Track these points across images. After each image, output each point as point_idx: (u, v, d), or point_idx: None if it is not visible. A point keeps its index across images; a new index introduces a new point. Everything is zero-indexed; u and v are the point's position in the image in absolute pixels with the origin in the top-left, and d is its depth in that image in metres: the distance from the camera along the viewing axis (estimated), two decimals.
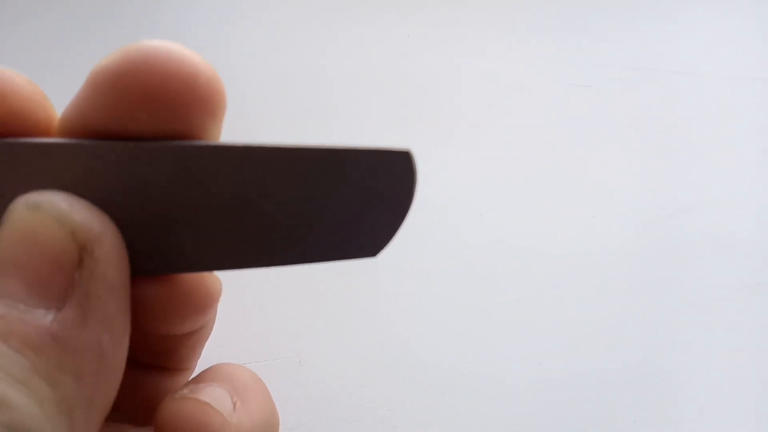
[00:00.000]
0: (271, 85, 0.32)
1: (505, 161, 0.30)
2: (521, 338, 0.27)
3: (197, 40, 0.33)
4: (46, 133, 0.12)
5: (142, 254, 0.12)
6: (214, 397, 0.13)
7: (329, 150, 0.12)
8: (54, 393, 0.10)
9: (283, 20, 0.33)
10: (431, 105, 0.31)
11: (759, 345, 0.27)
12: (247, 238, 0.12)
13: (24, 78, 0.12)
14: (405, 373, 0.26)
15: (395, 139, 0.30)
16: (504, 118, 0.31)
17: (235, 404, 0.13)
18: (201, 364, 0.17)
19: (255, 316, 0.26)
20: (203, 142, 0.12)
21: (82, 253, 0.11)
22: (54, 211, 0.11)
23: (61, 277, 0.10)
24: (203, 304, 0.14)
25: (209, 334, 0.16)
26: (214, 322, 0.16)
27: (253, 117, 0.31)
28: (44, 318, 0.10)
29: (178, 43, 0.11)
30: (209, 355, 0.17)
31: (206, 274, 0.14)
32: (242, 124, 0.29)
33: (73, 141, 0.12)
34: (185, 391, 0.13)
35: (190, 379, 0.14)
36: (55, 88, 0.13)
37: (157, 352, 0.15)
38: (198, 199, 0.12)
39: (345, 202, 0.12)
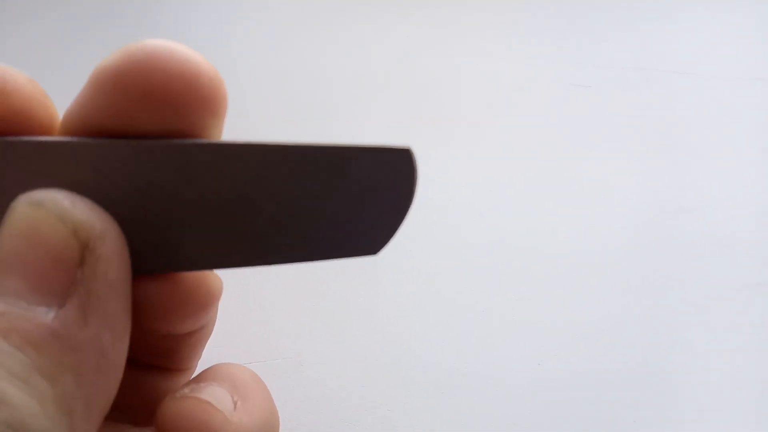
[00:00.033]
0: (271, 85, 0.32)
1: (505, 161, 0.30)
2: (521, 338, 0.27)
3: (197, 40, 0.33)
4: (47, 131, 0.12)
5: (143, 253, 0.12)
6: (215, 396, 0.13)
7: (330, 148, 0.12)
8: (54, 391, 0.10)
9: (283, 20, 0.33)
10: (431, 105, 0.31)
11: (759, 345, 0.27)
12: (248, 236, 0.12)
13: (25, 76, 0.12)
14: (405, 373, 0.26)
15: (395, 139, 0.30)
16: (504, 118, 0.31)
17: (235, 403, 0.13)
18: (201, 364, 0.17)
19: (255, 316, 0.26)
20: (205, 141, 0.12)
21: (84, 251, 0.11)
22: (56, 208, 0.11)
23: (63, 275, 0.10)
24: (204, 303, 0.14)
25: (210, 334, 0.16)
26: (214, 322, 0.16)
27: (253, 117, 0.31)
28: (45, 316, 0.10)
29: (179, 42, 0.11)
30: (209, 354, 0.17)
31: (207, 273, 0.14)
32: (242, 123, 0.29)
33: (75, 139, 0.12)
34: (186, 390, 0.13)
35: (191, 378, 0.14)
36: (55, 88, 0.13)
37: (157, 352, 0.15)
38: (199, 197, 0.12)
39: (346, 199, 0.12)
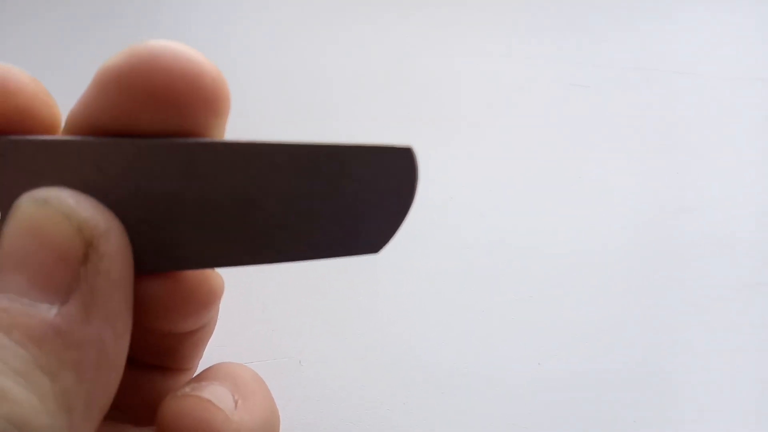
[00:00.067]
0: (271, 85, 0.32)
1: (505, 161, 0.30)
2: (521, 338, 0.27)
3: (197, 40, 0.33)
4: (50, 130, 0.12)
5: (145, 251, 0.12)
6: (216, 395, 0.13)
7: (332, 147, 0.12)
8: (54, 387, 0.10)
9: (283, 20, 0.34)
10: (431, 105, 0.31)
11: (759, 345, 0.27)
12: (251, 235, 0.13)
13: (28, 75, 0.12)
14: (405, 373, 0.26)
15: (395, 138, 0.30)
16: (504, 118, 0.31)
17: (236, 402, 0.13)
18: (202, 364, 0.17)
19: (255, 316, 0.26)
20: (208, 140, 0.12)
21: (87, 248, 0.11)
22: (61, 206, 0.11)
23: (66, 272, 0.10)
24: (206, 301, 0.14)
25: (211, 333, 0.16)
26: (216, 322, 0.16)
27: (253, 117, 0.31)
28: (48, 312, 0.10)
29: (181, 43, 0.12)
30: (210, 354, 0.17)
31: (209, 272, 0.14)
32: (242, 123, 0.29)
33: (79, 138, 0.12)
34: (187, 388, 0.13)
35: (192, 377, 0.14)
36: (55, 88, 0.13)
37: (159, 352, 0.15)
38: (202, 196, 0.12)
39: (348, 198, 0.12)
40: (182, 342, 0.15)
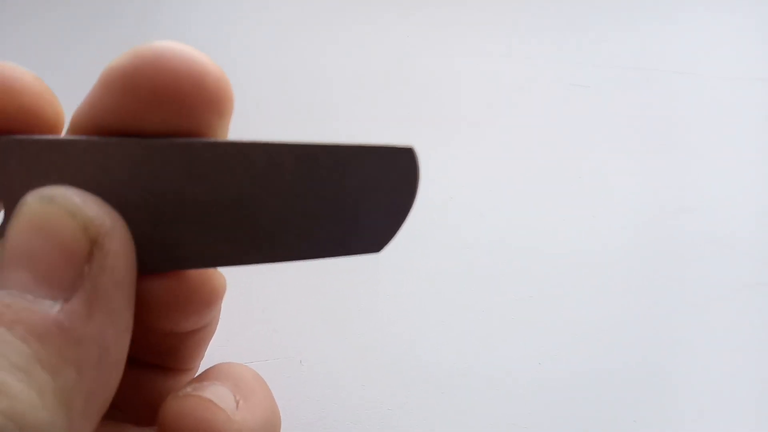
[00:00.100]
0: (271, 85, 0.32)
1: (505, 161, 0.30)
2: (521, 338, 0.27)
3: (197, 40, 0.33)
4: (54, 128, 0.13)
5: (148, 251, 0.12)
6: (218, 395, 0.13)
7: (334, 147, 0.12)
8: (54, 383, 0.10)
9: (283, 20, 0.34)
10: (431, 105, 0.31)
11: (759, 345, 0.27)
12: (253, 234, 0.13)
13: (32, 75, 0.12)
14: (405, 373, 0.26)
15: (395, 138, 0.30)
16: (504, 118, 0.31)
17: (238, 402, 0.13)
18: (203, 363, 0.17)
19: (256, 316, 0.26)
20: (211, 140, 0.12)
21: (92, 246, 0.11)
22: (67, 204, 0.11)
23: (71, 269, 0.11)
24: (208, 300, 0.14)
25: (212, 334, 0.16)
26: (217, 322, 0.16)
27: (253, 117, 0.31)
28: (51, 308, 0.10)
29: (184, 43, 0.12)
30: (211, 354, 0.17)
31: (211, 271, 0.14)
32: (242, 123, 0.29)
33: (84, 138, 0.12)
34: (188, 389, 0.13)
35: (194, 377, 0.14)
36: (55, 88, 0.13)
37: (160, 352, 0.15)
38: (205, 195, 0.12)
39: (349, 198, 0.13)
40: (184, 342, 0.15)
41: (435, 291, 0.27)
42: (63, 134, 0.13)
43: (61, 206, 0.11)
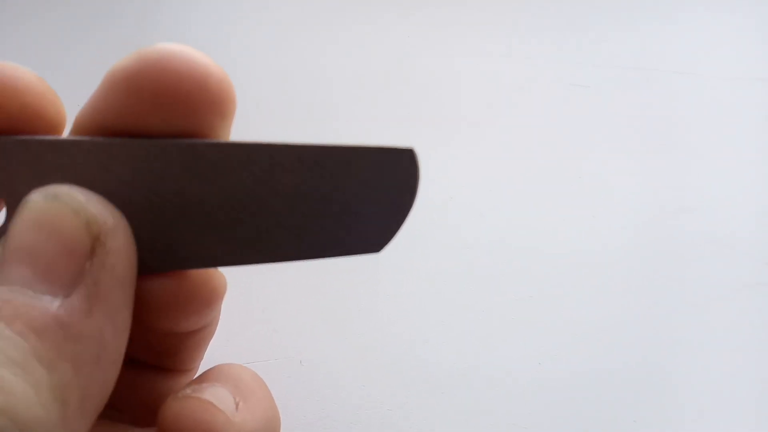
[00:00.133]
0: (271, 85, 0.32)
1: (505, 161, 0.30)
2: (521, 338, 0.27)
3: (197, 40, 0.33)
4: (56, 128, 0.13)
5: (150, 251, 0.12)
6: (217, 397, 0.13)
7: (335, 148, 0.12)
8: (51, 379, 0.10)
9: (283, 20, 0.34)
10: (431, 105, 0.31)
11: (759, 345, 0.27)
12: (254, 234, 0.13)
13: (35, 75, 0.12)
14: (405, 373, 0.26)
15: (395, 138, 0.30)
16: (504, 118, 0.31)
17: (237, 404, 0.13)
18: (203, 364, 0.17)
19: (256, 316, 0.26)
20: (214, 141, 0.12)
21: (94, 243, 0.11)
22: (71, 201, 0.11)
23: (72, 266, 0.11)
24: (209, 300, 0.14)
25: (212, 335, 0.16)
26: (217, 323, 0.16)
27: (253, 117, 0.31)
28: (51, 304, 0.10)
29: (187, 45, 0.12)
30: (211, 354, 0.17)
31: (211, 271, 0.14)
32: (243, 123, 0.29)
33: (87, 139, 0.12)
34: (188, 390, 0.13)
35: (193, 379, 0.14)
36: (56, 88, 0.13)
37: (160, 353, 0.15)
38: (207, 196, 0.12)
39: (350, 198, 0.13)
40: (184, 342, 0.15)
41: (435, 291, 0.27)
42: (65, 134, 0.13)
43: (65, 203, 0.11)
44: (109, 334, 0.11)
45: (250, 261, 0.13)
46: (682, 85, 0.32)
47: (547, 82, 0.32)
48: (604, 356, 0.26)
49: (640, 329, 0.27)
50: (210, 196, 0.12)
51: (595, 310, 0.27)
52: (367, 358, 0.26)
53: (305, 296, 0.27)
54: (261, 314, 0.26)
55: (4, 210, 0.12)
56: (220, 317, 0.16)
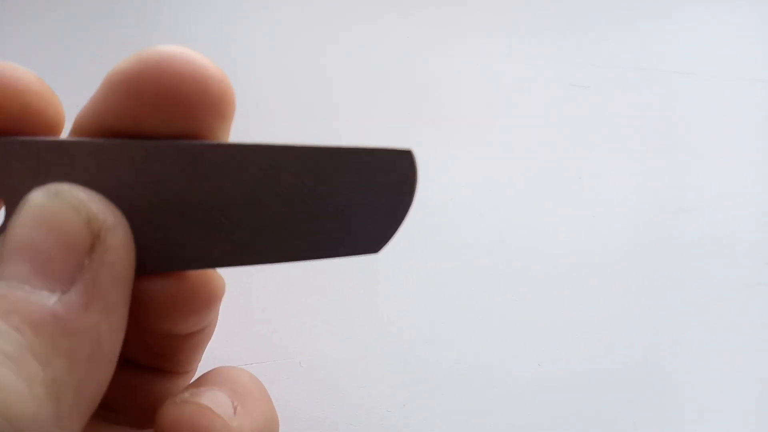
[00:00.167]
0: (271, 85, 0.32)
1: (505, 161, 0.30)
2: (521, 338, 0.27)
3: (197, 40, 0.33)
4: (54, 128, 0.13)
5: (149, 251, 0.13)
6: (215, 401, 0.13)
7: (334, 149, 0.13)
8: (45, 374, 0.10)
9: (283, 20, 0.34)
10: (431, 105, 0.31)
11: (759, 345, 0.27)
12: (253, 235, 0.13)
13: (34, 75, 0.12)
14: (405, 373, 0.26)
15: (395, 138, 0.30)
16: (504, 118, 0.31)
17: (235, 408, 0.13)
18: (202, 364, 0.17)
19: (255, 317, 0.26)
20: (213, 142, 0.12)
21: (94, 240, 0.11)
22: (72, 199, 0.11)
23: (71, 262, 0.11)
24: (207, 302, 0.14)
25: (210, 337, 0.16)
26: (215, 325, 0.16)
27: (253, 117, 0.31)
28: (48, 299, 0.10)
29: (184, 46, 0.12)
30: (210, 355, 0.17)
31: (210, 272, 0.14)
32: (243, 123, 0.29)
33: (87, 140, 0.12)
34: (186, 394, 0.13)
35: (191, 382, 0.14)
36: (55, 88, 0.13)
37: (158, 354, 0.15)
38: (205, 197, 0.12)
39: (348, 199, 0.13)
40: (182, 344, 0.15)
41: (435, 291, 0.27)
42: (64, 135, 0.13)
43: (66, 201, 0.11)
44: (106, 331, 0.11)
45: (249, 262, 0.13)
46: (682, 85, 0.32)
47: (547, 82, 0.32)
48: (604, 356, 0.26)
49: (640, 329, 0.27)
50: (209, 197, 0.12)
51: (595, 310, 0.27)
52: (367, 358, 0.26)
53: (305, 296, 0.27)
54: (260, 315, 0.26)
55: (3, 210, 0.12)
56: (220, 318, 0.16)
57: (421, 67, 0.32)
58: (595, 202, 0.29)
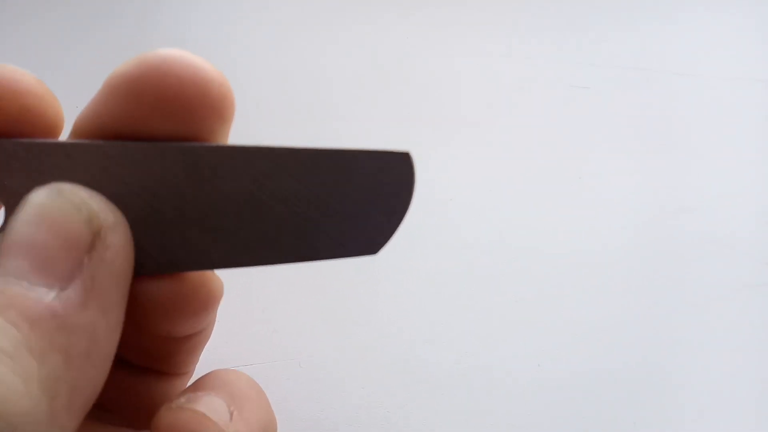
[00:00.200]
0: (271, 85, 0.32)
1: (505, 161, 0.30)
2: (521, 338, 0.27)
3: (197, 40, 0.33)
4: (54, 130, 0.13)
5: (148, 253, 0.13)
6: (211, 407, 0.13)
7: (333, 151, 0.13)
8: (40, 370, 0.10)
9: (283, 20, 0.34)
10: (431, 105, 0.31)
11: (759, 345, 0.27)
12: (253, 236, 0.13)
13: (34, 77, 0.13)
14: (405, 373, 0.26)
15: (395, 138, 0.30)
16: (504, 118, 0.31)
17: (232, 413, 0.13)
18: (202, 365, 0.17)
19: (255, 318, 0.26)
20: (213, 144, 0.13)
21: (94, 238, 0.11)
22: (74, 197, 0.11)
23: (70, 259, 0.11)
24: (206, 304, 0.14)
25: (207, 339, 0.16)
26: (212, 327, 0.16)
27: (253, 117, 0.31)
28: (46, 295, 0.10)
29: (182, 46, 0.12)
30: (210, 355, 0.17)
31: (209, 275, 0.14)
32: (243, 123, 0.29)
33: (87, 142, 0.12)
34: (182, 400, 0.13)
35: (188, 386, 0.14)
36: (55, 88, 0.13)
37: (155, 356, 0.15)
38: (206, 198, 0.13)
39: (347, 201, 0.13)
40: (179, 346, 0.15)
41: (435, 291, 0.27)
42: (64, 136, 0.13)
43: (68, 199, 0.11)
44: (102, 329, 0.11)
45: (248, 263, 0.13)
46: (682, 85, 0.32)
47: (547, 83, 0.32)
48: (604, 356, 0.26)
49: (640, 329, 0.27)
50: (208, 199, 0.12)
51: (595, 310, 0.27)
52: (367, 358, 0.26)
53: (305, 296, 0.27)
54: (261, 314, 0.26)
55: (2, 211, 0.12)
56: (220, 318, 0.16)
57: (421, 67, 0.32)
58: (595, 202, 0.29)
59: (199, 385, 0.14)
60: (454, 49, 0.33)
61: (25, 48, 0.33)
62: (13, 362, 0.09)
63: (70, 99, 0.15)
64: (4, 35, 0.33)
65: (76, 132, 0.13)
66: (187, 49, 0.12)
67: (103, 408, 0.15)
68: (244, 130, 0.29)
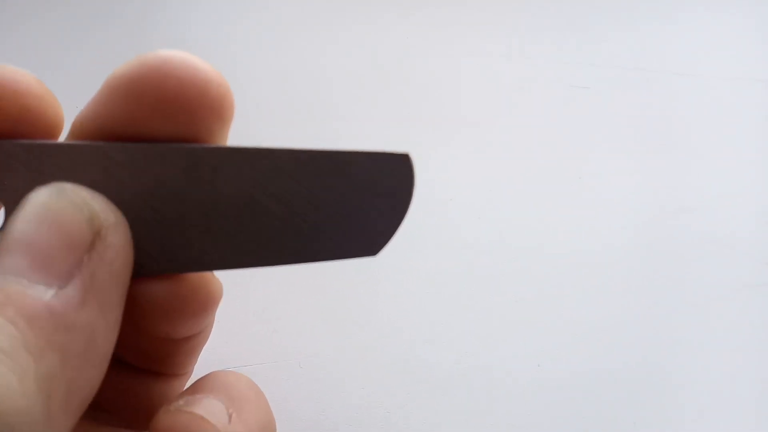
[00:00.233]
0: (271, 85, 0.32)
1: (505, 161, 0.30)
2: (521, 338, 0.27)
3: (197, 40, 0.33)
4: (54, 130, 0.13)
5: (147, 254, 0.13)
6: (209, 410, 0.13)
7: (332, 153, 0.13)
8: (37, 368, 0.10)
9: (283, 20, 0.34)
10: (431, 105, 0.31)
11: (759, 345, 0.27)
12: (252, 238, 0.13)
13: (34, 77, 0.13)
14: (405, 373, 0.26)
15: (395, 138, 0.30)
16: (504, 119, 0.31)
17: (230, 416, 0.13)
18: (201, 365, 0.17)
19: (255, 318, 0.26)
20: (213, 145, 0.13)
21: (95, 237, 0.11)
22: (76, 197, 0.11)
23: (70, 258, 0.11)
24: (205, 305, 0.14)
25: (206, 340, 0.16)
26: (211, 328, 0.16)
27: (253, 117, 0.31)
28: (44, 293, 0.10)
29: (182, 46, 0.12)
30: (210, 355, 0.17)
31: (208, 276, 0.14)
32: (243, 123, 0.29)
33: (87, 143, 0.12)
34: (180, 402, 0.13)
35: (186, 388, 0.14)
36: (55, 88, 0.13)
37: (154, 357, 0.15)
38: (205, 199, 0.13)
39: (347, 202, 0.13)
40: (178, 348, 0.15)
41: (435, 291, 0.27)
42: (63, 136, 0.13)
43: (69, 198, 0.11)
44: (100, 329, 0.11)
45: (248, 265, 0.13)
46: (682, 85, 0.32)
47: (547, 83, 0.32)
48: (604, 356, 0.26)
49: (640, 329, 0.27)
50: (208, 200, 0.13)
51: (595, 310, 0.27)
52: (367, 358, 0.26)
53: (305, 296, 0.27)
54: (260, 315, 0.26)
55: (2, 211, 0.12)
56: (220, 318, 0.16)
57: (421, 67, 0.32)
58: (595, 202, 0.29)
59: (197, 387, 0.14)
60: (454, 49, 0.33)
61: (25, 48, 0.33)
62: (9, 359, 0.09)
63: (70, 99, 0.15)
64: (4, 35, 0.33)
65: (75, 132, 0.13)
66: (187, 49, 0.12)
67: (101, 408, 0.15)
68: (244, 130, 0.29)
